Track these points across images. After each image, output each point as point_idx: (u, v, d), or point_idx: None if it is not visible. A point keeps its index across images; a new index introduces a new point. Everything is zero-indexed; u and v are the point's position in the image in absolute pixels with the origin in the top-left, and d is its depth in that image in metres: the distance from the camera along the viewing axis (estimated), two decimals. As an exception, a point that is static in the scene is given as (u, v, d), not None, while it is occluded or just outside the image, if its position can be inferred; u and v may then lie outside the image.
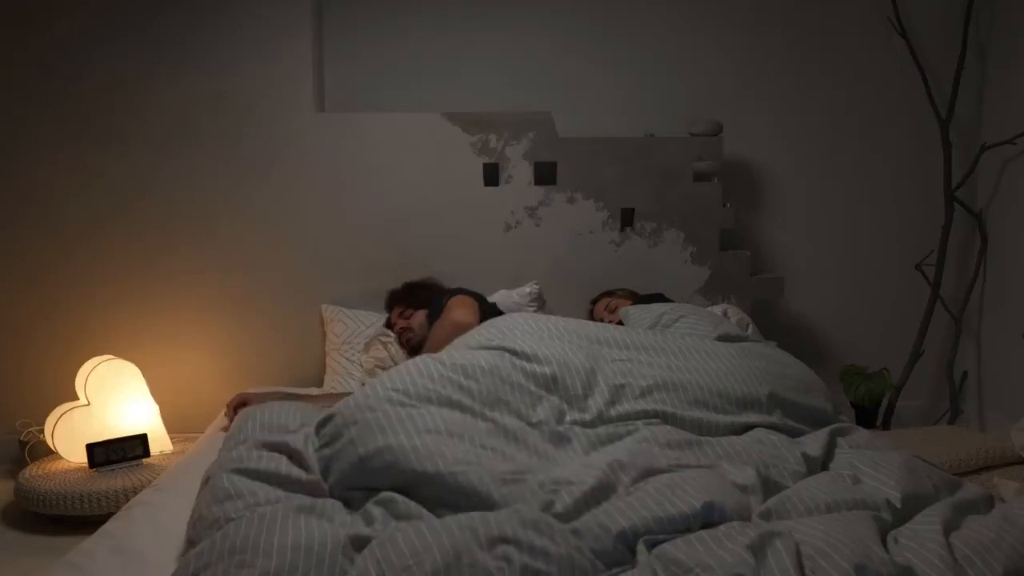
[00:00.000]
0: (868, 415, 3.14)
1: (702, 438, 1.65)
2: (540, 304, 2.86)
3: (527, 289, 2.87)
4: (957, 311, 3.30)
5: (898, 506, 1.40)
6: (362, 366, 2.64)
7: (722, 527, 1.26)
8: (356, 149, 2.96)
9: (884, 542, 1.27)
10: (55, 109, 2.90)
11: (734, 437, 1.69)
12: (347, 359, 2.76)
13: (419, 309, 2.60)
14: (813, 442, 1.68)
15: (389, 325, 2.70)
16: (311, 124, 2.95)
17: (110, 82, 2.90)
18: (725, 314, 2.77)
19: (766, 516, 1.37)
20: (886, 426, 3.20)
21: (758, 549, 1.17)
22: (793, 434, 1.77)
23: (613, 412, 1.71)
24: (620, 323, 2.46)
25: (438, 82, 3.17)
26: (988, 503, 1.46)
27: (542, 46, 3.19)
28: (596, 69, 3.21)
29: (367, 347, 2.64)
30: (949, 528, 1.29)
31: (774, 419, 1.79)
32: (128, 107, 2.91)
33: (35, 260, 2.95)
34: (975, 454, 2.25)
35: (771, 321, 3.27)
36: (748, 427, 1.76)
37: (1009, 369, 3.18)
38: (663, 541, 1.25)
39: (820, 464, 1.62)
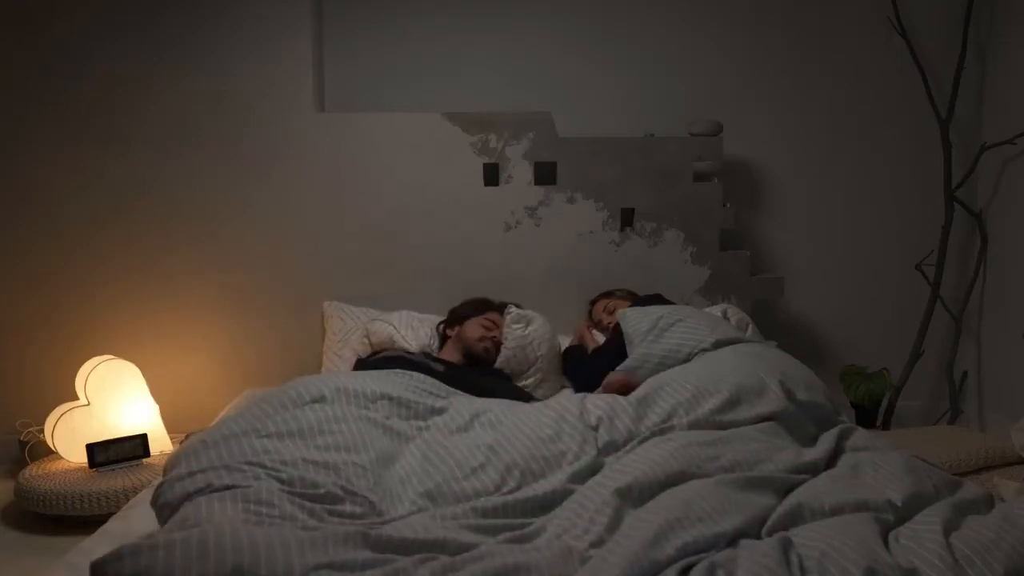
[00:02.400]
0: (868, 415, 3.14)
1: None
2: (528, 321, 2.64)
3: (511, 314, 2.63)
4: (957, 311, 3.30)
5: (899, 505, 1.40)
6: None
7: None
8: (356, 149, 2.96)
9: (886, 543, 1.27)
10: (55, 109, 2.90)
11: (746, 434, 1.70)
12: (338, 356, 2.75)
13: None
14: (820, 444, 1.69)
15: (458, 320, 2.57)
16: (311, 124, 2.95)
17: (110, 82, 2.90)
18: (725, 314, 2.77)
19: (780, 526, 1.36)
20: (886, 426, 3.20)
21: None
22: (800, 428, 1.78)
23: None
24: (617, 324, 2.47)
25: (438, 82, 3.17)
26: (988, 503, 1.46)
27: (542, 46, 3.19)
28: (596, 69, 3.21)
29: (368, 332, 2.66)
30: (949, 528, 1.29)
31: (788, 405, 1.80)
32: (128, 107, 2.91)
33: (35, 260, 2.95)
34: (975, 454, 2.25)
35: (771, 321, 3.27)
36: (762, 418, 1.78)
37: (1009, 369, 3.18)
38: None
39: (824, 465, 1.62)
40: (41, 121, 2.91)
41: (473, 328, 2.52)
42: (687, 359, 2.20)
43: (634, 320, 2.38)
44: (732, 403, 1.80)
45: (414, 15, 3.14)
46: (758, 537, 1.33)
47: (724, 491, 1.40)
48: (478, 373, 2.37)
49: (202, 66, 2.91)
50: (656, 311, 2.38)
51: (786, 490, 1.49)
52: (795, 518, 1.37)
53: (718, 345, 2.21)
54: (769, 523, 1.36)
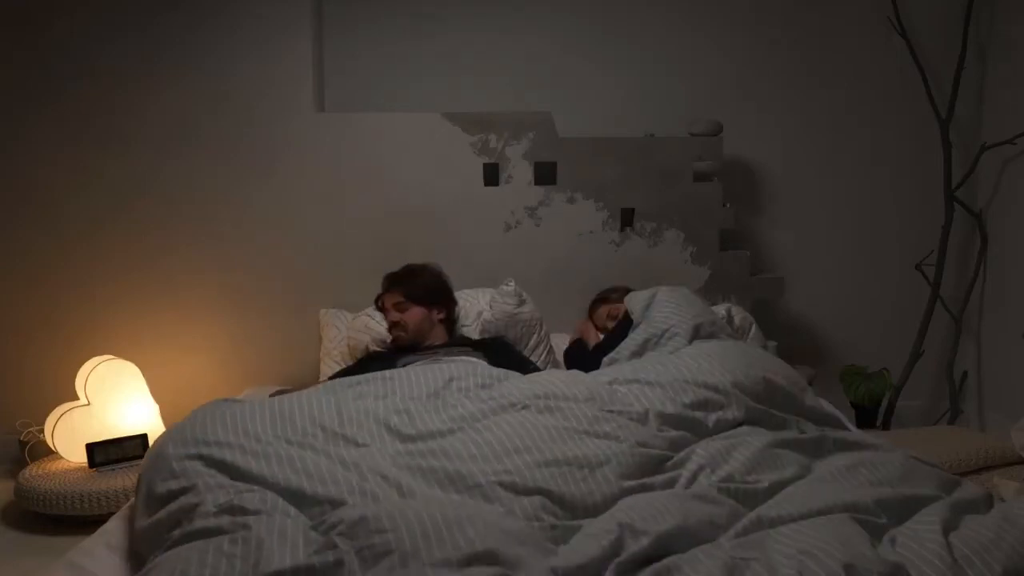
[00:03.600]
0: (868, 415, 3.14)
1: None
2: (521, 301, 2.71)
3: (509, 288, 2.71)
4: (957, 311, 3.30)
5: (893, 505, 1.39)
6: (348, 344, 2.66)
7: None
8: (356, 149, 2.96)
9: (878, 543, 1.27)
10: (55, 109, 2.90)
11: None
12: (336, 364, 2.73)
13: (418, 304, 2.47)
14: (796, 449, 1.69)
15: (380, 308, 2.57)
16: (311, 124, 2.95)
17: (110, 82, 2.90)
18: (729, 313, 2.77)
19: (749, 529, 1.35)
20: (886, 426, 3.20)
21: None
22: (777, 424, 1.80)
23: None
24: (618, 318, 2.55)
25: (438, 82, 3.17)
26: (987, 503, 1.46)
27: (542, 46, 3.19)
28: (596, 69, 3.21)
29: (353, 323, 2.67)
30: (948, 528, 1.29)
31: (759, 406, 1.83)
32: (128, 107, 2.91)
33: (35, 260, 2.95)
34: (975, 454, 2.26)
35: (771, 321, 3.27)
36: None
37: (1009, 369, 3.18)
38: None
39: (805, 470, 1.62)
40: (41, 121, 2.90)
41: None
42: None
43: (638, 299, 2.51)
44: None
45: (414, 15, 3.14)
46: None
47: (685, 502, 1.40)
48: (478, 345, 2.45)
49: (202, 66, 2.91)
50: (653, 290, 2.51)
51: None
52: (774, 521, 1.36)
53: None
54: (743, 523, 1.36)
